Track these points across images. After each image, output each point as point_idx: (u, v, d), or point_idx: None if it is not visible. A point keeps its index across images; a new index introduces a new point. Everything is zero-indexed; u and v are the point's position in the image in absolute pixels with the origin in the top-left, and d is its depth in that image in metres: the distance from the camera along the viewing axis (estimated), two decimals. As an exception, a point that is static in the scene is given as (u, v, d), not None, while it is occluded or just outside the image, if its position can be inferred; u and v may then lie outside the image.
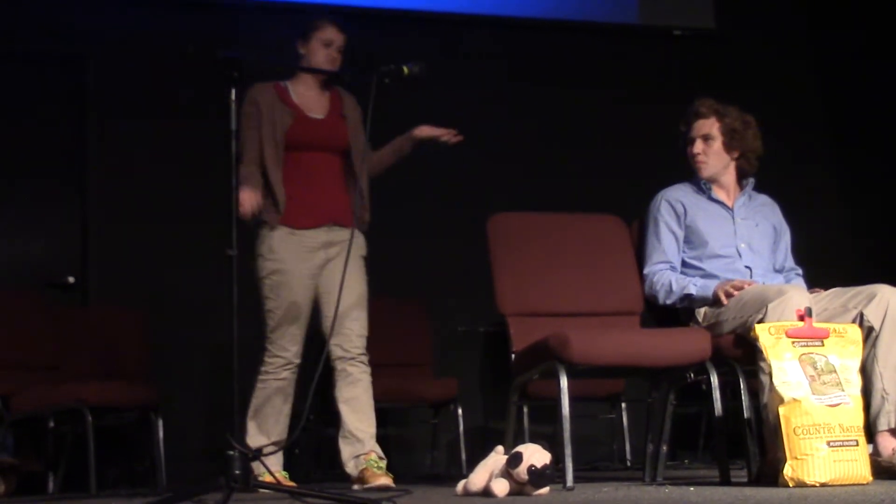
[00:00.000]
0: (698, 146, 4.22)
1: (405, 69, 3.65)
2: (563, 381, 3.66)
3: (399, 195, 6.10)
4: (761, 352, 3.47)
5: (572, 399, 3.64)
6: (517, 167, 6.59)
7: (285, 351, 4.28)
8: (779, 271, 4.24)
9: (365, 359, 4.34)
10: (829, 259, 5.25)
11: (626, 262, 4.27)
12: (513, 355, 4.04)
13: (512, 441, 3.90)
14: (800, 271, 4.30)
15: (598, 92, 6.82)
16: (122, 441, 5.67)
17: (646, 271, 4.18)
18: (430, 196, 6.23)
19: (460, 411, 5.73)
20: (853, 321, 3.71)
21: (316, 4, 6.21)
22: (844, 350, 3.44)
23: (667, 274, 4.13)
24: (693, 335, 3.87)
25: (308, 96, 4.42)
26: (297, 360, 4.31)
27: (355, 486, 4.14)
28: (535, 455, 3.18)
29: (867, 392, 3.59)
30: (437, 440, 6.13)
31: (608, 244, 4.33)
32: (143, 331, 5.73)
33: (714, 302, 3.95)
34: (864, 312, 3.73)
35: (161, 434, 5.14)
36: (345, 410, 4.28)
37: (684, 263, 4.18)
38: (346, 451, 4.24)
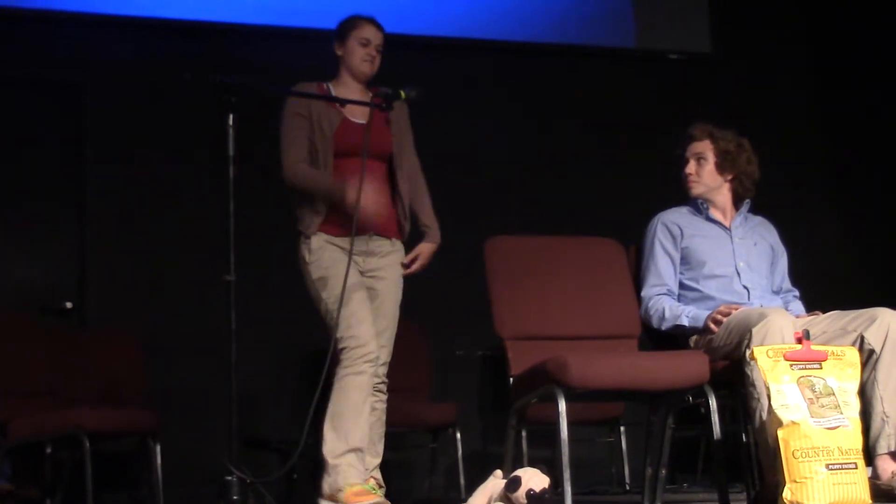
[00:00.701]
0: (691, 166, 4.29)
1: (402, 93, 3.67)
2: (562, 405, 3.65)
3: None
4: (749, 376, 3.49)
5: (571, 423, 3.63)
6: (515, 190, 6.60)
7: (361, 340, 3.93)
8: (776, 292, 4.25)
9: (384, 387, 4.14)
10: (827, 281, 5.25)
11: (624, 285, 4.27)
12: (511, 379, 4.03)
13: (510, 465, 3.89)
14: (797, 293, 4.31)
15: (595, 115, 6.84)
16: (121, 467, 5.66)
17: (642, 294, 4.20)
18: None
19: (459, 435, 5.71)
20: (853, 344, 3.71)
21: (313, 29, 6.23)
22: (842, 373, 3.43)
23: (662, 300, 4.14)
24: (691, 358, 3.86)
25: (349, 96, 4.16)
26: (375, 352, 3.96)
27: None
28: (533, 479, 3.18)
29: (866, 415, 3.59)
30: (435, 464, 6.11)
31: (606, 268, 4.33)
32: (142, 356, 5.72)
33: (704, 330, 3.96)
34: (865, 335, 3.74)
35: (159, 460, 5.13)
36: None
37: (682, 285, 4.19)
38: None
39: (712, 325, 3.92)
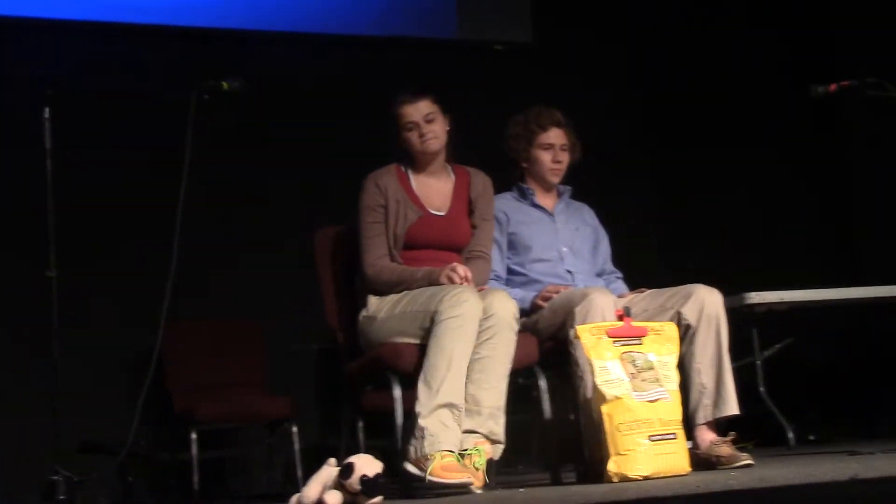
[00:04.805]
0: (562, 155, 4.32)
1: (224, 84, 3.63)
2: (397, 392, 3.71)
3: (224, 217, 6.04)
4: (573, 354, 3.62)
5: (406, 409, 3.67)
6: (340, 182, 6.57)
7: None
8: (599, 275, 4.37)
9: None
10: (647, 266, 5.40)
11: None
12: (345, 369, 4.05)
13: (346, 455, 3.90)
14: (620, 274, 4.44)
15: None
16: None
17: (473, 281, 4.26)
18: (255, 215, 6.19)
19: (296, 429, 5.69)
20: (671, 319, 3.85)
21: (126, 24, 6.12)
22: (662, 347, 3.57)
23: (492, 285, 4.21)
24: (520, 340, 3.94)
25: (430, 185, 4.09)
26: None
27: None
28: (366, 465, 3.21)
29: (685, 387, 3.74)
30: (273, 459, 6.07)
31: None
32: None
33: (531, 311, 4.06)
34: (682, 311, 3.89)
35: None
36: None
37: (510, 270, 4.26)
38: None
39: (540, 302, 4.02)
